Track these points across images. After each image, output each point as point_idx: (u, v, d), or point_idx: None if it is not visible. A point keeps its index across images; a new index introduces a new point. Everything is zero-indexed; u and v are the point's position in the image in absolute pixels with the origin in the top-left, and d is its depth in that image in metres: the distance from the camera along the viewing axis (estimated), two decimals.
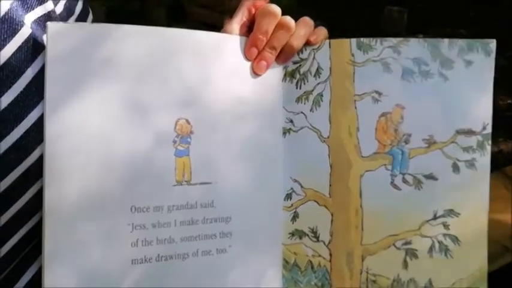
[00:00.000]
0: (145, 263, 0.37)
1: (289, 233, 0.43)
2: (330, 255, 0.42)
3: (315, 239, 0.43)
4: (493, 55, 0.40)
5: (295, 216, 0.43)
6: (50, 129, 0.35)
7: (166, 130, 0.38)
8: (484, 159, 0.41)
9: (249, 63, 0.42)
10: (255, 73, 0.42)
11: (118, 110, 0.37)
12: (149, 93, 0.38)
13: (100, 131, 0.36)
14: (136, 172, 0.37)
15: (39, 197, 0.36)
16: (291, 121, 0.43)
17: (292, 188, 0.43)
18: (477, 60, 0.40)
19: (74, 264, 0.35)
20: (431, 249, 0.41)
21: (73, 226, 0.35)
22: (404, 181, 0.41)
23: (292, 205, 0.43)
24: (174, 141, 0.39)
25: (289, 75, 0.43)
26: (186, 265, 0.39)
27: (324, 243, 0.42)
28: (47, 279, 0.35)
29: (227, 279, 0.41)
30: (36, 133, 0.36)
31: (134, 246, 0.37)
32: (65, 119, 0.35)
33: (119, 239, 0.37)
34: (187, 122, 0.39)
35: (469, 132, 0.41)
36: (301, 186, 0.43)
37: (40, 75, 0.36)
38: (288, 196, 0.43)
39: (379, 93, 0.41)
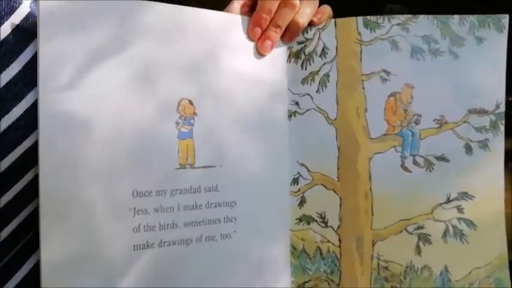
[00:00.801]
0: (147, 249, 0.36)
1: (297, 219, 0.42)
2: (339, 240, 0.41)
3: (323, 224, 0.41)
4: (506, 31, 0.39)
5: (302, 201, 0.42)
6: (44, 112, 0.33)
7: (169, 111, 0.37)
8: (497, 140, 0.39)
9: (252, 44, 0.41)
10: (260, 53, 0.41)
11: (118, 91, 0.35)
12: (152, 73, 0.37)
13: (99, 113, 0.35)
14: (138, 155, 0.36)
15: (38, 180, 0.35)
16: (297, 103, 0.42)
17: (299, 172, 0.42)
18: (489, 36, 0.39)
19: (74, 252, 0.34)
20: (445, 234, 0.39)
21: (71, 211, 0.34)
22: (415, 163, 0.40)
23: (299, 190, 0.42)
24: (177, 123, 0.37)
25: (293, 56, 0.42)
26: (189, 251, 0.37)
27: (333, 229, 0.41)
28: (45, 268, 0.33)
29: (232, 265, 0.39)
30: (35, 113, 0.35)
31: (136, 231, 0.36)
32: (59, 102, 0.34)
33: (120, 224, 0.35)
34: (190, 102, 0.38)
35: (482, 112, 0.39)
36: (308, 170, 0.42)
37: None
38: (295, 181, 0.42)
39: (388, 73, 0.40)
